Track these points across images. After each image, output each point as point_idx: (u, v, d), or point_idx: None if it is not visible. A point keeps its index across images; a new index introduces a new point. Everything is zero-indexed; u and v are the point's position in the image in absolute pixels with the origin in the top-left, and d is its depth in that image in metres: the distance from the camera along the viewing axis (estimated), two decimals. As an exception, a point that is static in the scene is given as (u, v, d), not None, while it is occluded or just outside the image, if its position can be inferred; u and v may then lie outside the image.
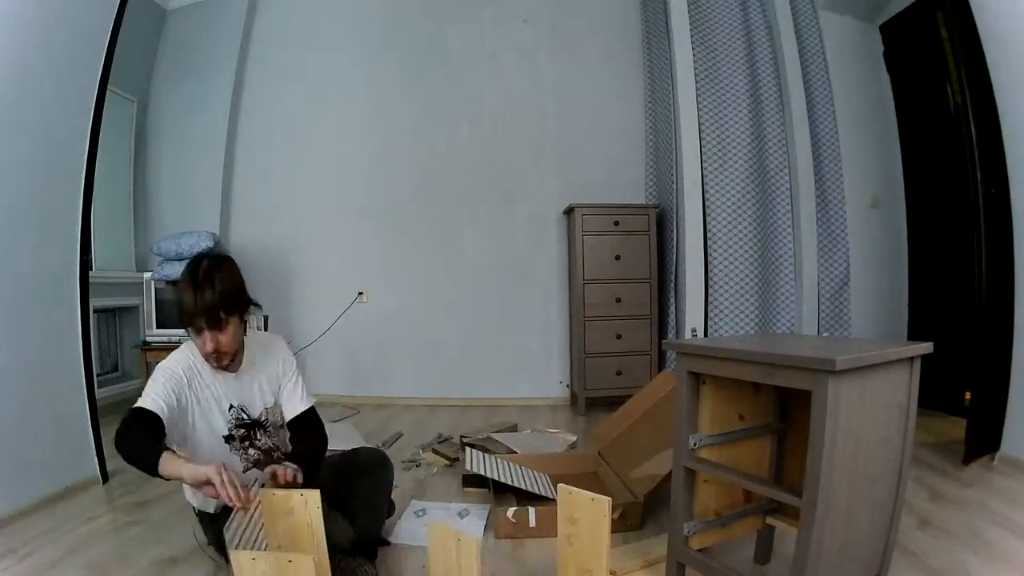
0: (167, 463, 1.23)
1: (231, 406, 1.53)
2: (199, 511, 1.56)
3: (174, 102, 4.03)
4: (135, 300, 3.76)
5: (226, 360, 1.48)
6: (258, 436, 1.58)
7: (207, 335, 1.42)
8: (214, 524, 1.49)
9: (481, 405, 3.66)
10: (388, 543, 1.70)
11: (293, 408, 1.62)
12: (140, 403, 1.36)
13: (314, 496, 1.28)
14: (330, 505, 1.51)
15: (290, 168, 3.93)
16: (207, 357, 1.46)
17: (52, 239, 2.14)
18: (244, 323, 1.51)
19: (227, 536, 1.13)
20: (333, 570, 1.35)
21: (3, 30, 1.88)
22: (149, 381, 1.43)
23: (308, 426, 1.64)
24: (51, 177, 2.13)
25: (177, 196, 3.98)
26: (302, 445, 1.59)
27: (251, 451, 1.57)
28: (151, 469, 1.24)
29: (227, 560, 1.16)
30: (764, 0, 3.42)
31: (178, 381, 1.43)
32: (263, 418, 1.59)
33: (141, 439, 1.29)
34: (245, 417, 1.56)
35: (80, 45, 2.19)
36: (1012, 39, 2.12)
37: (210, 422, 1.50)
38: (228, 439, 1.53)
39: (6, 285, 1.94)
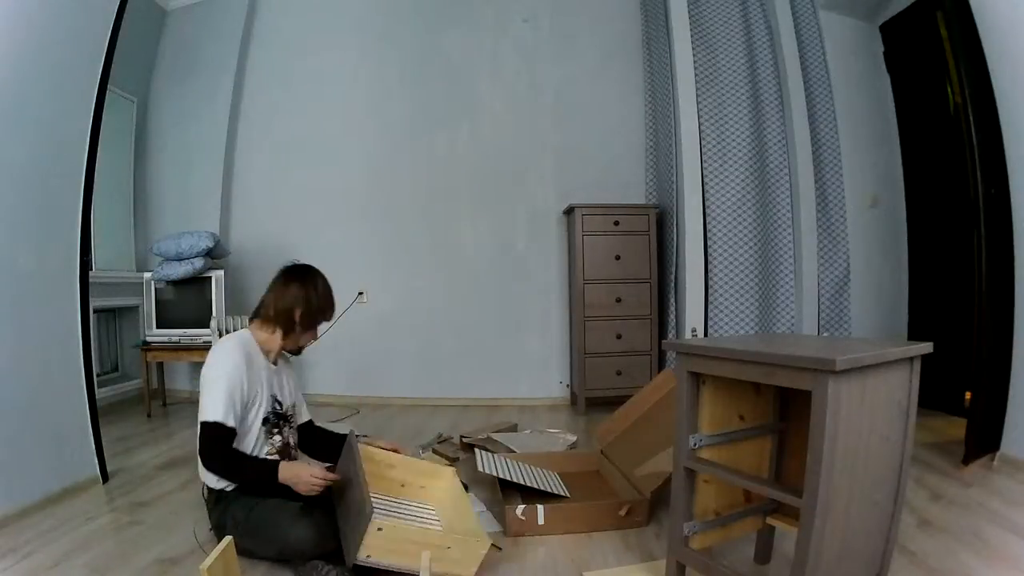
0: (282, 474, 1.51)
1: (271, 395, 1.70)
2: (217, 490, 1.59)
3: (174, 102, 4.03)
4: (135, 300, 3.76)
5: None
6: (283, 428, 1.71)
7: (320, 328, 1.75)
8: (219, 505, 1.58)
9: (481, 405, 3.66)
10: None
11: (304, 416, 1.89)
12: (221, 419, 1.52)
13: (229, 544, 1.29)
14: (324, 508, 1.51)
15: (290, 168, 3.93)
16: (300, 347, 1.77)
17: (52, 239, 2.13)
18: None
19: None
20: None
21: (3, 30, 1.87)
22: (212, 381, 1.55)
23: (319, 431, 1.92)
24: (51, 177, 2.12)
25: (177, 196, 3.98)
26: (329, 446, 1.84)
27: (276, 438, 1.68)
28: (273, 483, 1.51)
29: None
30: (764, 0, 3.42)
31: (240, 384, 1.57)
32: (289, 413, 1.76)
33: (249, 464, 1.57)
34: (278, 407, 1.70)
35: (80, 45, 2.18)
36: (1012, 39, 2.12)
37: (257, 404, 1.63)
38: (265, 421, 1.65)
39: (6, 285, 1.94)
